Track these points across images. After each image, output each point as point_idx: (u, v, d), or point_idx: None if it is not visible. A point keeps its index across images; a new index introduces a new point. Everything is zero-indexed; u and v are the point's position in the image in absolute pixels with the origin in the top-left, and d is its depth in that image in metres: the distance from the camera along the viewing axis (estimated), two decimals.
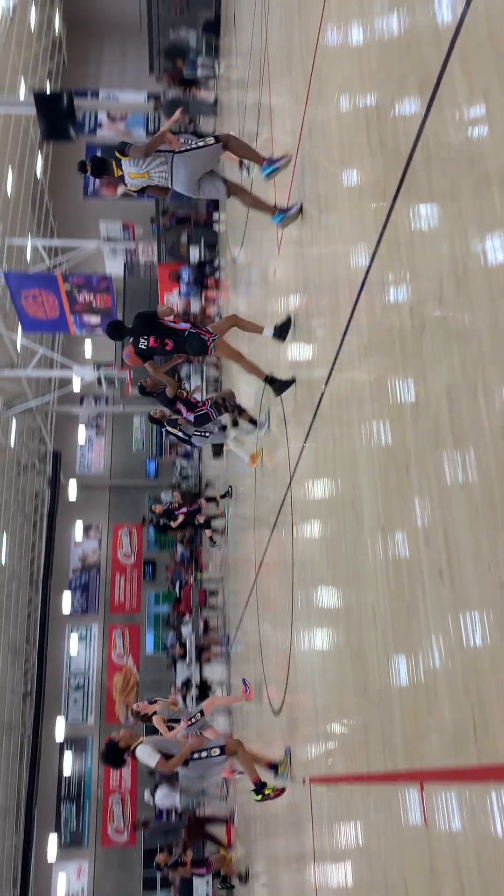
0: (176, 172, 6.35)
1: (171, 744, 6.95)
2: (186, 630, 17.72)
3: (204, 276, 17.96)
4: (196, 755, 6.80)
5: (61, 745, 26.11)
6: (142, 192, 6.74)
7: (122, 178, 6.61)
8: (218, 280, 17.41)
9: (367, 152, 3.88)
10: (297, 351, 6.39)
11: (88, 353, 28.35)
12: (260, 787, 6.30)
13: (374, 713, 3.67)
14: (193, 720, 8.51)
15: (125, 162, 6.48)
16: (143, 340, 6.88)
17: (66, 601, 28.09)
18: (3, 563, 23.44)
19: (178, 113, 7.27)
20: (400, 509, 3.22)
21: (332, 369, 4.74)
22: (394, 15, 3.42)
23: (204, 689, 16.05)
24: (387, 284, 3.53)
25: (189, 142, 6.38)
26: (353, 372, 4.24)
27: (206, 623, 17.39)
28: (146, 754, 6.64)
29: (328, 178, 5.01)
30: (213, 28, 19.56)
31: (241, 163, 7.43)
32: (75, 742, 26.46)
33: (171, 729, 8.28)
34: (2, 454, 23.65)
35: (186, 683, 16.66)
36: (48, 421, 28.37)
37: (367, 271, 3.82)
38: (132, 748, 6.71)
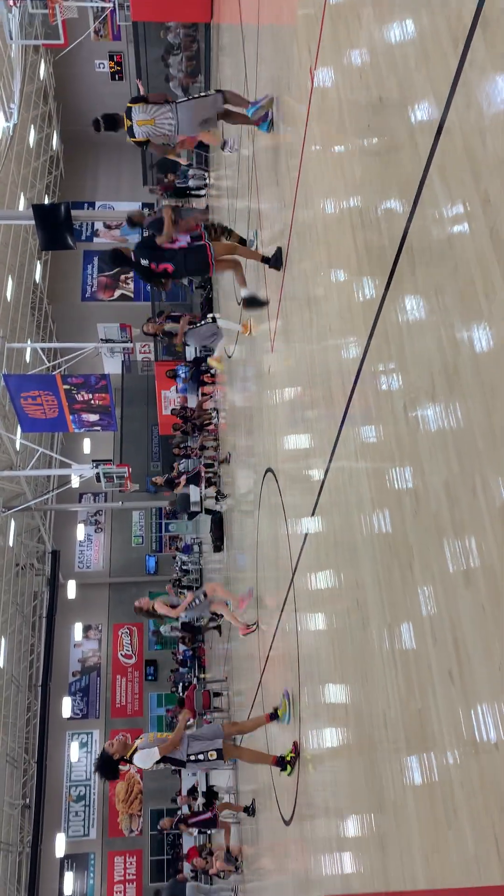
0: (181, 116, 6.98)
1: (162, 740, 6.62)
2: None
3: (200, 373, 18.29)
4: (193, 756, 6.56)
5: (61, 861, 24.68)
6: (144, 145, 7.24)
7: (130, 130, 7.10)
8: (214, 376, 17.72)
9: (354, 254, 4.01)
10: (295, 442, 6.42)
11: (87, 450, 28.53)
12: (282, 763, 6.35)
13: (391, 825, 3.47)
14: (197, 602, 9.39)
15: (135, 109, 7.00)
16: (143, 262, 7.05)
17: (66, 706, 27.16)
18: (2, 666, 22.81)
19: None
20: (405, 608, 3.14)
21: (329, 462, 4.74)
22: (373, 128, 3.59)
23: (210, 797, 15.30)
24: (379, 380, 3.57)
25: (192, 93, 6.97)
26: (351, 466, 4.24)
27: None
28: (143, 756, 6.42)
29: (318, 278, 5.16)
30: (202, 144, 20.64)
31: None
32: (76, 859, 25.04)
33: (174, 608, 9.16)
34: (0, 555, 23.41)
35: (192, 791, 15.89)
36: (47, 519, 28.25)
37: (360, 367, 3.88)
38: (128, 757, 6.43)
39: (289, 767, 6.33)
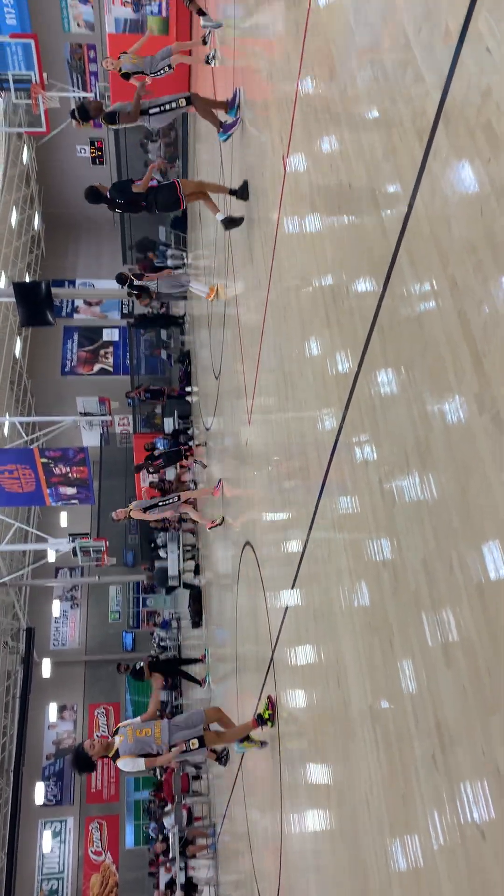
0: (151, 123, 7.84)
1: (146, 742, 6.27)
2: (169, 821, 16.32)
3: (178, 445, 18.33)
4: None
5: None
6: (112, 120, 7.81)
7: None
8: (192, 448, 17.76)
9: (327, 330, 4.10)
10: (273, 514, 6.40)
11: (64, 523, 28.20)
12: (261, 721, 6.31)
13: None
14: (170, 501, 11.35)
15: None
16: (119, 199, 7.74)
17: (39, 792, 25.97)
18: None
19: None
20: (387, 687, 3.08)
21: (308, 534, 4.72)
22: (344, 213, 3.73)
23: (189, 890, 14.56)
24: (355, 453, 3.60)
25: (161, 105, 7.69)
26: (329, 538, 4.23)
27: (189, 812, 16.07)
28: (128, 764, 6.20)
29: (293, 353, 5.25)
30: (180, 224, 21.29)
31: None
32: None
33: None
34: None
35: (170, 885, 15.11)
36: (22, 595, 27.65)
37: (336, 440, 3.91)
38: (111, 755, 6.18)
39: (269, 723, 6.24)
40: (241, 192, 7.39)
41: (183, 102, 7.73)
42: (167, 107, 7.70)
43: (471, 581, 2.25)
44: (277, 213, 5.71)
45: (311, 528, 4.68)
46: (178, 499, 11.60)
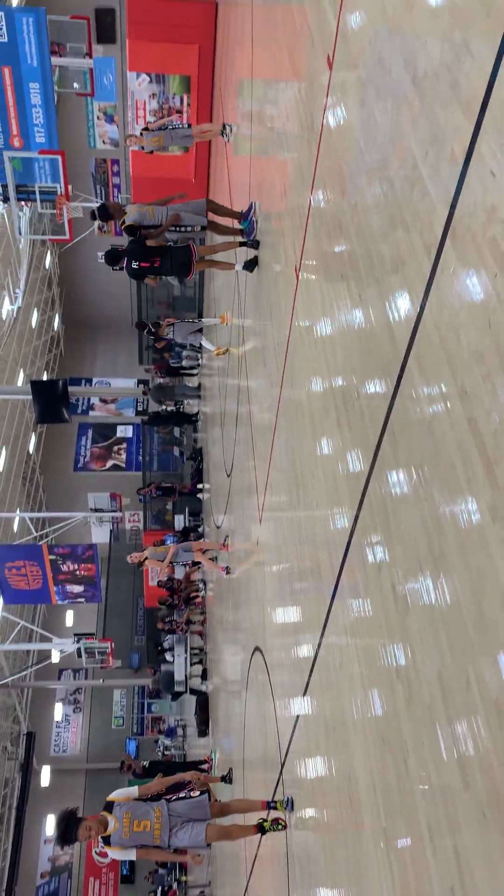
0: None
1: (142, 837, 5.62)
2: None
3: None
4: (174, 795, 5.90)
5: None
6: (133, 232, 8.13)
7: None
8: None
9: (338, 432, 4.12)
10: (284, 616, 6.26)
11: (70, 622, 27.70)
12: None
13: None
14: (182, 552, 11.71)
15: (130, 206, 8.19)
16: (134, 263, 8.06)
17: None
18: None
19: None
20: (401, 810, 2.91)
21: (321, 638, 4.59)
22: (355, 320, 3.82)
23: None
24: (367, 558, 3.54)
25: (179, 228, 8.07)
26: (342, 643, 4.10)
27: None
28: (120, 854, 5.70)
29: (304, 453, 5.27)
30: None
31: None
32: None
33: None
34: None
35: None
36: (24, 698, 26.84)
37: (348, 542, 3.86)
38: (105, 836, 5.57)
39: (270, 830, 5.81)
40: (250, 265, 8.00)
41: (199, 228, 8.13)
42: (186, 229, 8.13)
43: (488, 697, 2.15)
44: (290, 317, 5.87)
45: (323, 633, 4.56)
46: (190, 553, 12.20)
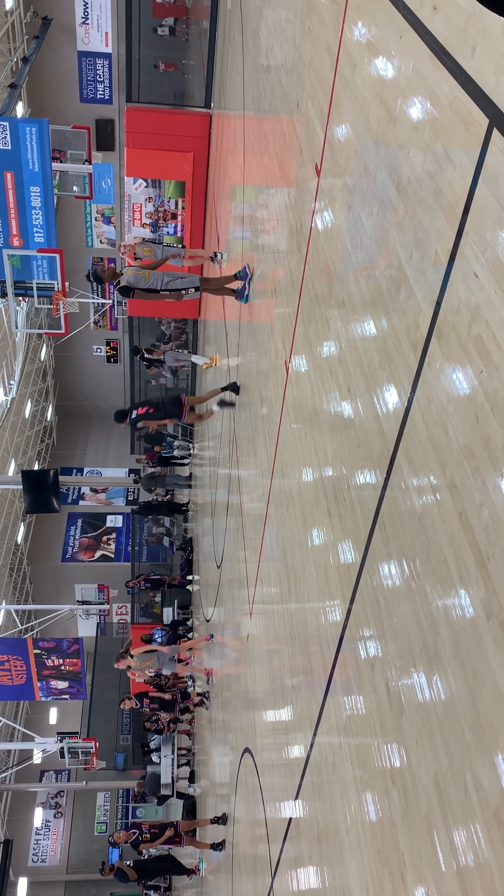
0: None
1: None
2: None
3: (177, 637, 17.77)
4: None
5: None
6: (127, 293, 8.47)
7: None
8: (190, 640, 17.19)
9: (329, 525, 4.10)
10: (275, 715, 6.05)
11: (53, 719, 26.68)
12: None
13: None
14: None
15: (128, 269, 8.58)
16: (134, 412, 9.21)
17: None
18: None
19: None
20: None
21: (313, 738, 4.42)
22: (343, 413, 3.87)
23: None
24: (359, 654, 3.45)
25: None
26: (335, 746, 3.95)
27: None
28: None
29: (295, 545, 5.22)
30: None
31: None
32: None
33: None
34: None
35: None
36: (2, 802, 25.55)
37: (341, 637, 3.78)
38: None
39: None
40: (232, 388, 8.65)
41: (193, 291, 8.42)
42: (183, 292, 8.47)
43: (487, 804, 2.05)
44: (280, 409, 5.94)
45: (315, 733, 4.39)
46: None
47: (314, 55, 4.95)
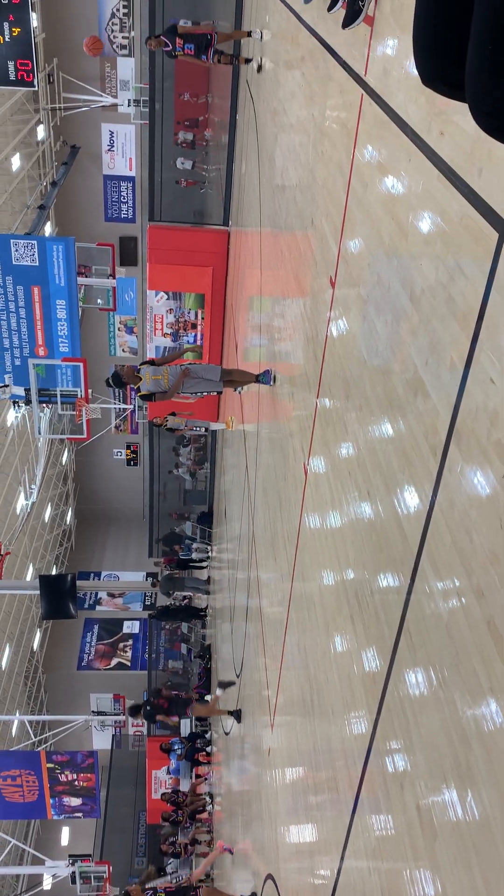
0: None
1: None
2: None
3: (195, 751, 17.07)
4: None
5: None
6: (149, 398, 8.37)
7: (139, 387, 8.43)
8: (210, 754, 16.51)
9: (353, 632, 3.99)
10: (299, 837, 5.70)
11: (65, 839, 25.39)
12: None
13: None
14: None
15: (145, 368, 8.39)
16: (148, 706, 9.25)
17: None
18: None
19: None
20: None
21: (341, 862, 4.14)
22: (363, 519, 3.84)
23: None
24: (387, 770, 3.28)
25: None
26: (364, 872, 3.69)
27: None
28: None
29: (318, 653, 5.08)
30: (206, 519, 22.15)
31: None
32: None
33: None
34: None
35: None
36: None
37: (368, 752, 3.60)
38: None
39: None
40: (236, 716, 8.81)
41: (215, 393, 8.52)
42: (201, 393, 8.62)
43: None
44: (300, 512, 5.91)
45: (343, 856, 4.12)
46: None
47: (327, 176, 5.23)
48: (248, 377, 8.58)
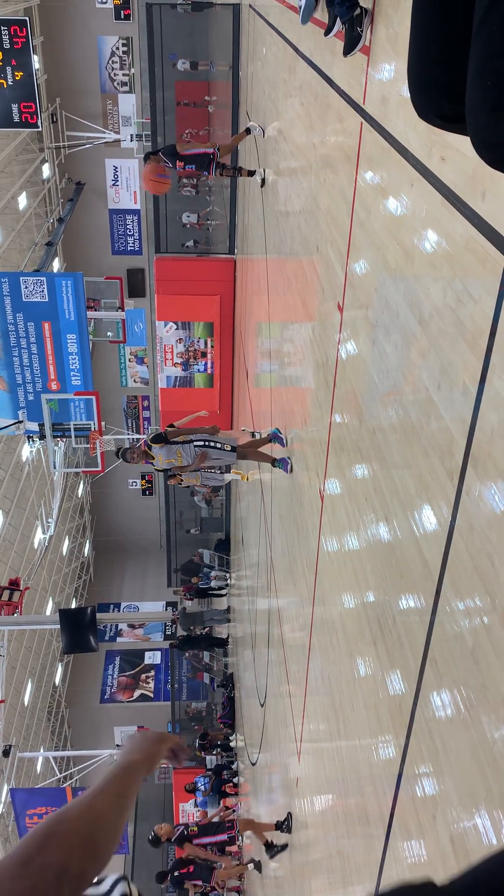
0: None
1: None
2: None
3: (222, 783, 16.88)
4: None
5: None
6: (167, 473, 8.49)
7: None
8: (237, 786, 16.31)
9: (377, 659, 3.95)
10: (330, 875, 5.59)
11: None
12: None
13: None
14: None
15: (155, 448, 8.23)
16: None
17: None
18: None
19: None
20: None
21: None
22: (383, 542, 3.82)
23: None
24: (417, 796, 3.23)
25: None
26: None
27: None
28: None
29: (342, 685, 5.02)
30: (224, 546, 22.09)
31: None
32: None
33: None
34: None
35: None
36: None
37: (399, 779, 3.54)
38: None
39: None
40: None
41: (229, 448, 8.42)
42: (214, 470, 8.65)
43: None
44: (318, 537, 5.89)
45: (378, 885, 4.04)
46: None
47: (330, 203, 5.28)
48: (264, 458, 8.50)
